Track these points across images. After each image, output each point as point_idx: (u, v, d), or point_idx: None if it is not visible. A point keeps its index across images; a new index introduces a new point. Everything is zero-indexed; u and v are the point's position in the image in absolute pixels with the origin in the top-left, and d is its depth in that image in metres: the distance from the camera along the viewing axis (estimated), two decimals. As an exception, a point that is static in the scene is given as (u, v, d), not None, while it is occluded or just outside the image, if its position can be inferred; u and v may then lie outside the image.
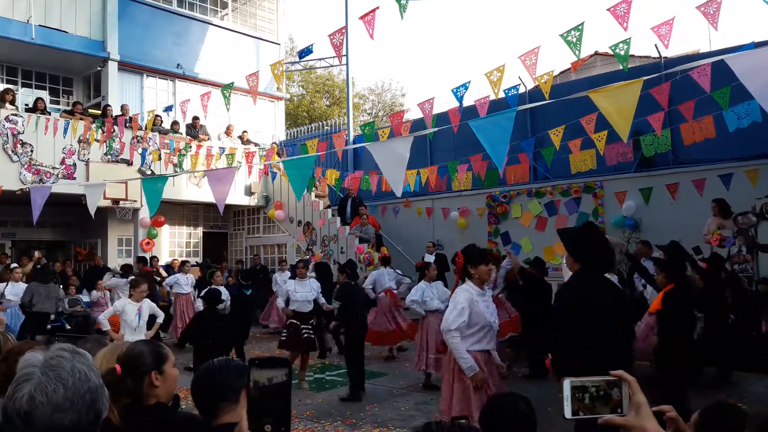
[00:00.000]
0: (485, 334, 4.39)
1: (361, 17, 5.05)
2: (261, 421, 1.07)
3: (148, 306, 7.04)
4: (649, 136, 9.45)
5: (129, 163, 13.53)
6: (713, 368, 7.72)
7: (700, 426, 1.77)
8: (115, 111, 13.78)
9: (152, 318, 7.23)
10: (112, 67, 14.94)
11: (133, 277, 9.51)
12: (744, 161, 9.98)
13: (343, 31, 5.53)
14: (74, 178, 12.65)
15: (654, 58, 11.95)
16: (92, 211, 7.49)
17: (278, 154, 15.07)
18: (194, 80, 16.50)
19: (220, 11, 17.61)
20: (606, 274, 3.98)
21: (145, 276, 9.90)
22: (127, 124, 13.04)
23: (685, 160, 10.97)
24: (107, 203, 12.81)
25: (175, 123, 14.90)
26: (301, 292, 7.91)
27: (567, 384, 1.36)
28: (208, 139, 15.14)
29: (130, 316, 6.74)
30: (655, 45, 10.67)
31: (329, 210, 15.40)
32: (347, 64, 17.42)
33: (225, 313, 7.72)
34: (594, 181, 11.79)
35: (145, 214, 13.74)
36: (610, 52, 5.44)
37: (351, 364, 7.48)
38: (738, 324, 8.28)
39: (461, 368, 4.30)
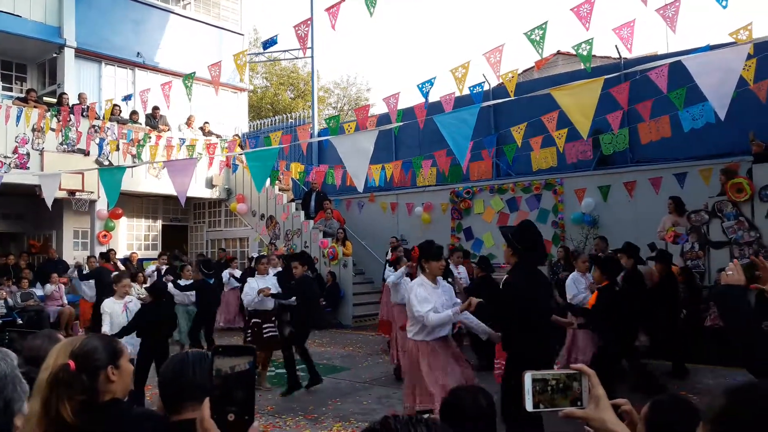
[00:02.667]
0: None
1: (327, 9, 5.01)
2: (224, 410, 1.05)
3: (134, 302, 6.77)
4: (608, 135, 9.67)
5: (86, 153, 13.16)
6: (666, 361, 7.97)
7: (650, 418, 1.82)
8: (72, 99, 13.37)
9: None
10: (69, 54, 14.48)
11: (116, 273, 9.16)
12: (698, 161, 10.31)
13: (308, 22, 5.48)
14: (28, 168, 12.23)
15: (614, 58, 12.21)
16: (49, 202, 7.26)
17: (241, 146, 14.88)
18: (155, 69, 16.12)
19: (183, 0, 17.24)
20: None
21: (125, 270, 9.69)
22: (84, 113, 12.68)
23: (642, 158, 11.26)
24: (63, 194, 12.43)
25: (134, 113, 14.55)
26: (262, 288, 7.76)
27: (528, 377, 1.38)
28: (169, 129, 14.84)
29: (116, 314, 6.50)
30: (616, 46, 10.92)
31: (293, 204, 15.29)
32: (312, 57, 17.28)
33: (169, 306, 7.30)
34: (554, 178, 12.00)
35: (102, 205, 13.40)
36: (572, 51, 5.54)
37: (304, 355, 7.48)
38: (690, 317, 8.58)
39: (426, 351, 4.60)
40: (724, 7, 4.56)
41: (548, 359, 4.28)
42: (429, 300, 4.57)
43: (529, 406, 1.38)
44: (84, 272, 11.85)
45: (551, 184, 12.13)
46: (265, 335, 7.60)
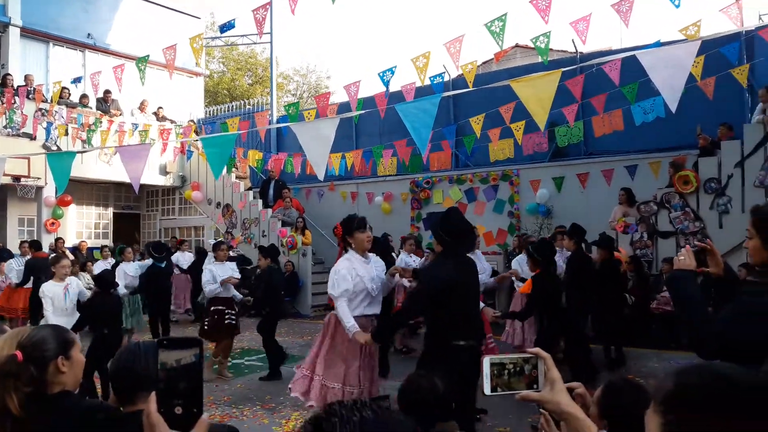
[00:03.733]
0: (364, 299, 4.54)
1: (287, -6, 4.94)
2: (171, 404, 1.03)
3: (76, 284, 6.52)
4: (563, 128, 9.89)
5: (32, 137, 12.65)
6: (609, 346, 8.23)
7: (602, 400, 1.89)
8: (17, 81, 12.82)
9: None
10: (14, 33, 13.87)
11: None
12: (648, 154, 10.64)
13: (267, 6, 5.39)
14: (-31, 152, 11.70)
15: (570, 52, 12.45)
16: (-7, 188, 6.95)
17: (196, 132, 14.58)
18: (106, 52, 15.60)
19: (136, -20, 16.71)
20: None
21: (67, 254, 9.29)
22: (30, 96, 12.19)
23: (595, 151, 11.55)
24: (7, 180, 11.93)
25: (84, 96, 14.06)
26: (223, 275, 7.61)
27: (486, 361, 1.40)
28: (121, 114, 14.40)
29: (58, 297, 6.26)
30: (572, 40, 11.13)
31: (251, 192, 15.08)
32: (271, 42, 17.03)
33: (118, 296, 7.04)
34: (511, 169, 12.19)
35: (49, 192, 12.94)
36: (530, 44, 5.62)
37: (271, 345, 7.45)
38: (638, 304, 8.88)
39: (341, 332, 4.51)
40: (677, 6, 4.69)
41: (474, 345, 4.10)
42: (347, 278, 4.42)
43: (487, 390, 1.40)
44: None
45: (508, 175, 12.32)
46: (225, 322, 7.47)
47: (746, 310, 2.01)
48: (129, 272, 9.12)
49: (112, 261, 12.00)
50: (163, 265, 9.57)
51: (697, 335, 2.11)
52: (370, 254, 4.71)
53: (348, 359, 4.52)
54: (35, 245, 10.96)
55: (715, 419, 0.86)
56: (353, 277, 4.46)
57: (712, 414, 0.86)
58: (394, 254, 8.56)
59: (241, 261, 11.50)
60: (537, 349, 1.43)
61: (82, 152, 11.79)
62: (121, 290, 8.11)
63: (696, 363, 0.97)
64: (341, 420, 0.92)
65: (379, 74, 6.55)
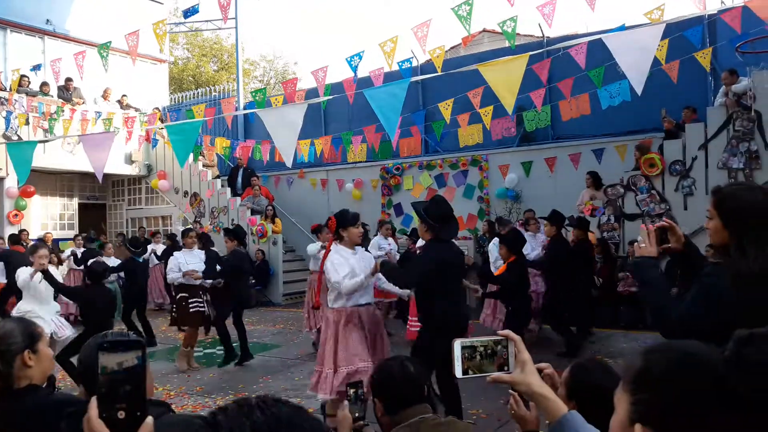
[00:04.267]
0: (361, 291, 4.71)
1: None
2: (113, 408, 1.00)
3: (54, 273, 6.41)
4: (531, 112, 9.97)
5: (-9, 127, 12.26)
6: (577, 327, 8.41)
7: (570, 381, 1.92)
8: (-28, 68, 12.38)
9: None
10: (-32, 19, 13.37)
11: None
12: (614, 137, 10.80)
13: (233, -8, 5.29)
14: (-77, 143, 11.28)
15: (537, 37, 12.53)
16: (-52, 179, 6.73)
17: (161, 120, 14.28)
18: (66, 38, 15.12)
19: (95, -36, 16.19)
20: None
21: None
22: (-13, 84, 11.78)
23: (563, 135, 11.69)
24: (-35, 171, 11.57)
25: (44, 84, 13.64)
26: (190, 264, 7.54)
27: (457, 345, 1.41)
28: (83, 102, 14.02)
29: (35, 285, 6.14)
30: (539, 24, 11.20)
31: (218, 180, 14.89)
32: (236, 27, 16.74)
33: (109, 288, 7.06)
34: (480, 154, 12.27)
35: (11, 183, 12.57)
36: (497, 29, 5.63)
37: (240, 331, 7.42)
38: (605, 285, 9.07)
39: (341, 327, 4.63)
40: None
41: (460, 324, 4.41)
42: (345, 264, 4.56)
43: (458, 373, 1.41)
44: None
45: (477, 160, 12.39)
46: (191, 310, 7.39)
47: (706, 293, 2.08)
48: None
49: (80, 251, 11.81)
50: (140, 260, 9.47)
51: (661, 319, 2.17)
52: (357, 247, 4.85)
53: (362, 337, 4.64)
54: (13, 238, 10.85)
55: (682, 396, 0.88)
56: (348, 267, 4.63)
57: (679, 391, 0.88)
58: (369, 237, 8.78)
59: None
60: (507, 332, 1.44)
61: (44, 142, 11.42)
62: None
63: (663, 342, 0.99)
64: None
65: (346, 59, 6.50)
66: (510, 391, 1.74)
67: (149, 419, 0.99)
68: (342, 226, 4.74)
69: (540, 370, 1.82)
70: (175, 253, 7.78)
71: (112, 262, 9.20)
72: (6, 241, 11.49)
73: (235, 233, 7.68)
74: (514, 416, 1.66)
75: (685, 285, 2.38)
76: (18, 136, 12.59)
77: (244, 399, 0.91)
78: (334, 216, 4.87)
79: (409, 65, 7.48)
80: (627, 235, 9.84)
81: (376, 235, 9.69)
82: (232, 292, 7.56)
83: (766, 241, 2.07)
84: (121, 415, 0.99)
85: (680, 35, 7.56)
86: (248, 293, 7.46)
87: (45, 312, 6.09)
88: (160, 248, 12.07)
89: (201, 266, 7.57)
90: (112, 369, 1.01)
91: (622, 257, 9.63)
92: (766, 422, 0.84)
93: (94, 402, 0.99)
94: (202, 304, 7.47)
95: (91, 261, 8.92)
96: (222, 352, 7.59)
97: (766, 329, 0.87)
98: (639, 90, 3.90)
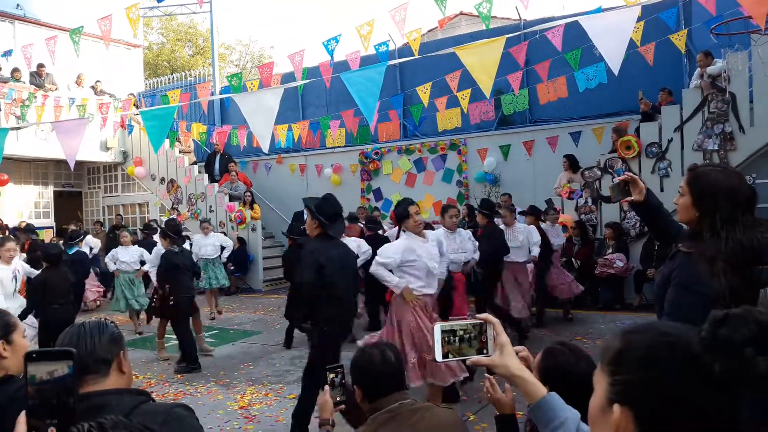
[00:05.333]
0: (426, 276, 4.80)
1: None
2: (43, 423, 0.96)
3: (22, 267, 6.26)
4: (509, 96, 9.99)
5: (-41, 114, 11.94)
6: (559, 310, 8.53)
7: (543, 365, 1.94)
8: (-62, 54, 12.01)
9: None
10: (-68, 3, 12.93)
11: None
12: (591, 120, 10.87)
13: (206, -26, 5.18)
14: None
15: (513, 19, 12.51)
16: None
17: (136, 106, 14.03)
18: (38, 23, 14.71)
19: (64, -55, 15.72)
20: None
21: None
22: (-46, 70, 11.45)
23: (540, 118, 11.74)
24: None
25: (15, 70, 13.30)
26: (124, 259, 7.47)
27: (438, 328, 1.41)
28: (56, 89, 13.71)
29: (6, 281, 6.01)
30: (516, 7, 11.18)
31: (196, 166, 14.71)
32: (210, 11, 16.46)
33: (66, 270, 6.72)
34: (458, 138, 12.27)
35: (-18, 171, 12.28)
36: (474, 12, 5.60)
37: (182, 333, 6.94)
38: (583, 267, 9.18)
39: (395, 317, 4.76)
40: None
41: (344, 326, 4.49)
42: (397, 253, 4.71)
43: (438, 357, 1.42)
44: None
45: (456, 144, 12.39)
46: (170, 303, 7.30)
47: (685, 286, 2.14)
48: (122, 258, 9.03)
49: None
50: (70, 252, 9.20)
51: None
52: (428, 233, 4.99)
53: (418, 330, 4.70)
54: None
55: (660, 376, 0.89)
56: (410, 255, 4.68)
57: (657, 371, 0.89)
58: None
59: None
60: (486, 315, 1.45)
61: (16, 129, 11.20)
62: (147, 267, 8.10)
63: (641, 323, 1.00)
64: None
65: (323, 43, 6.43)
66: (485, 374, 1.75)
67: None
68: (398, 219, 4.88)
69: (515, 353, 1.83)
70: (113, 250, 7.82)
71: (129, 252, 9.09)
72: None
73: (165, 230, 7.18)
74: (490, 399, 1.67)
75: (660, 264, 2.43)
76: (-12, 123, 12.29)
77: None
78: (392, 211, 5.16)
79: (386, 48, 7.42)
80: (604, 217, 9.96)
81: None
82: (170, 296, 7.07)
83: (736, 225, 2.10)
84: (52, 431, 0.95)
85: (656, 17, 7.60)
86: (182, 298, 6.97)
87: (10, 305, 5.97)
88: (95, 242, 11.83)
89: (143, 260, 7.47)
90: (41, 378, 0.97)
91: (600, 239, 9.74)
92: (739, 401, 0.85)
93: (22, 417, 0.95)
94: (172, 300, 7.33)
95: (46, 243, 8.70)
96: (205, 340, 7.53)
97: (741, 310, 0.88)
98: (616, 71, 3.92)
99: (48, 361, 0.97)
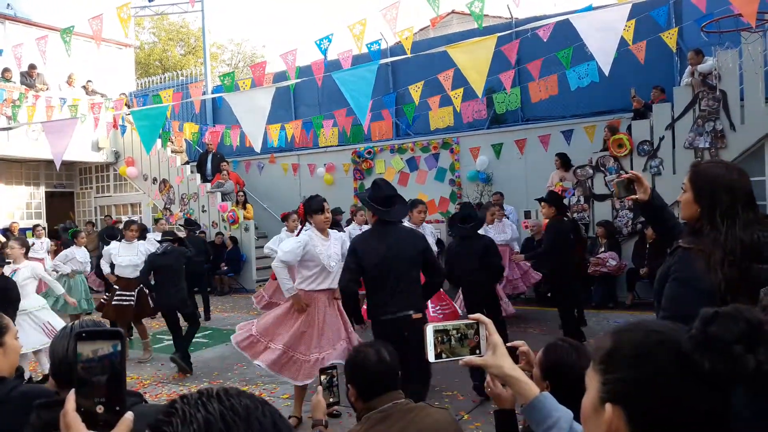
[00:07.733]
0: (320, 273, 4.81)
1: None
2: (91, 402, 0.96)
3: (31, 269, 6.22)
4: (501, 94, 9.99)
5: (-51, 115, 11.84)
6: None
7: (543, 361, 1.95)
8: (-74, 54, 11.91)
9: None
10: None
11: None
12: (583, 118, 10.90)
13: (197, -27, 5.16)
14: None
15: (505, 18, 12.52)
16: None
17: (128, 105, 13.96)
18: (29, 23, 14.60)
19: (54, -56, 15.61)
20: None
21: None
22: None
23: (532, 117, 11.76)
24: None
25: (6, 70, 13.20)
26: (124, 256, 7.40)
27: (430, 329, 1.41)
28: (47, 89, 13.62)
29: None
30: (507, 6, 11.20)
31: (188, 166, 14.65)
32: (202, 10, 16.39)
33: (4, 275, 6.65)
34: (451, 137, 12.28)
35: (-28, 172, 12.18)
36: (466, 10, 5.60)
37: (175, 332, 6.88)
38: (576, 266, 9.19)
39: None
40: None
41: (401, 312, 4.23)
42: (294, 252, 4.67)
43: (431, 357, 1.42)
44: None
45: (448, 143, 12.40)
46: (114, 303, 7.27)
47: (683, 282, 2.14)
48: (79, 258, 8.84)
49: (45, 240, 11.52)
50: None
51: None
52: (331, 231, 4.90)
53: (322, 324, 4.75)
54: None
55: (651, 375, 0.89)
56: (310, 251, 4.67)
57: (648, 369, 0.89)
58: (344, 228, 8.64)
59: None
60: (478, 315, 1.45)
61: (7, 129, 11.12)
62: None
63: (632, 322, 1.00)
64: (183, 420, 0.83)
65: (315, 42, 6.41)
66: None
67: (129, 415, 0.95)
68: (308, 213, 4.79)
69: (515, 348, 1.84)
70: (111, 244, 7.74)
71: (83, 252, 8.93)
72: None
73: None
74: (491, 394, 1.67)
75: (654, 262, 2.44)
76: (-22, 124, 12.19)
77: (207, 389, 0.89)
78: (302, 203, 4.91)
79: (378, 47, 7.41)
80: (596, 215, 9.99)
81: (349, 224, 9.61)
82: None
83: (736, 220, 2.11)
84: (100, 409, 0.95)
85: (646, 15, 7.62)
86: (172, 298, 6.84)
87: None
88: (41, 242, 11.70)
89: (138, 259, 7.30)
90: (88, 357, 0.97)
91: (592, 238, 9.77)
92: (729, 398, 0.85)
93: (72, 395, 0.95)
94: (130, 298, 7.27)
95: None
96: (196, 340, 7.50)
97: (730, 308, 0.88)
98: (606, 70, 3.93)
99: (96, 340, 0.98)
